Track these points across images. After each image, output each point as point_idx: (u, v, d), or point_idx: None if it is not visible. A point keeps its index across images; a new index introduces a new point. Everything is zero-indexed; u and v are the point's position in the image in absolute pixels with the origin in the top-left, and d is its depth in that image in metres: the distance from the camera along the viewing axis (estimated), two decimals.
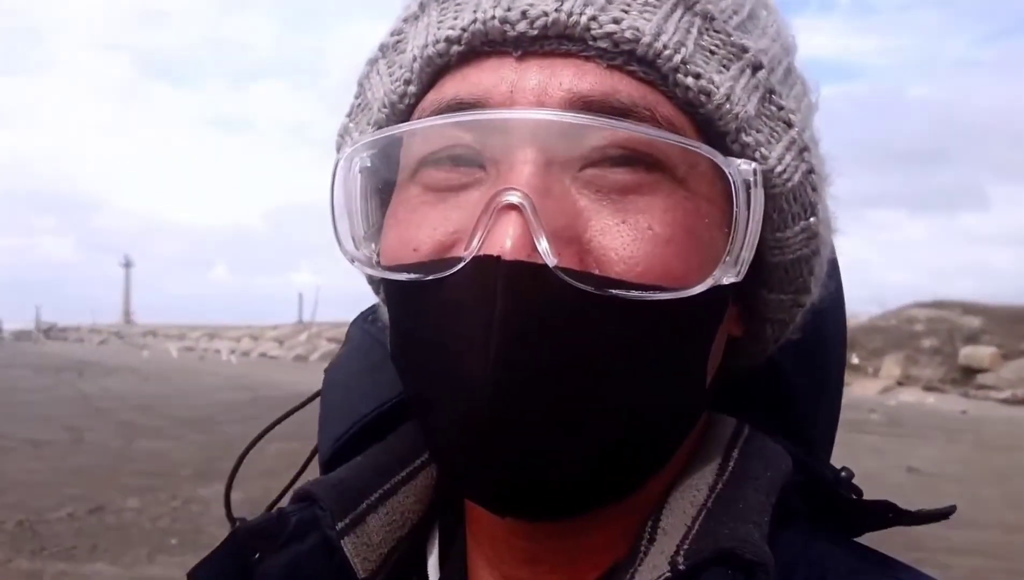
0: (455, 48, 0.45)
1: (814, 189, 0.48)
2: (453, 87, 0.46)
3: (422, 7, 0.49)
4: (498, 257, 0.42)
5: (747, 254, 0.45)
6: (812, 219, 0.48)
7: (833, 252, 0.55)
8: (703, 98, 0.44)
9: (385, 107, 0.49)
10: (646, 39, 0.43)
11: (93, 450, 9.60)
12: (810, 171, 0.47)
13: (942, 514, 0.53)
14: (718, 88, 0.44)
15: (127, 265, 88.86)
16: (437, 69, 0.47)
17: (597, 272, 0.43)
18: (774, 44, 0.48)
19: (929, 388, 17.92)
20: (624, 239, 0.43)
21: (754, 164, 0.45)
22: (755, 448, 0.52)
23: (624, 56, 0.44)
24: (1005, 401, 17.00)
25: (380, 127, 0.49)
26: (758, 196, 0.45)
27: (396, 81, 0.48)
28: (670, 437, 0.48)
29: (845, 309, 0.60)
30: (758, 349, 0.54)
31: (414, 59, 0.47)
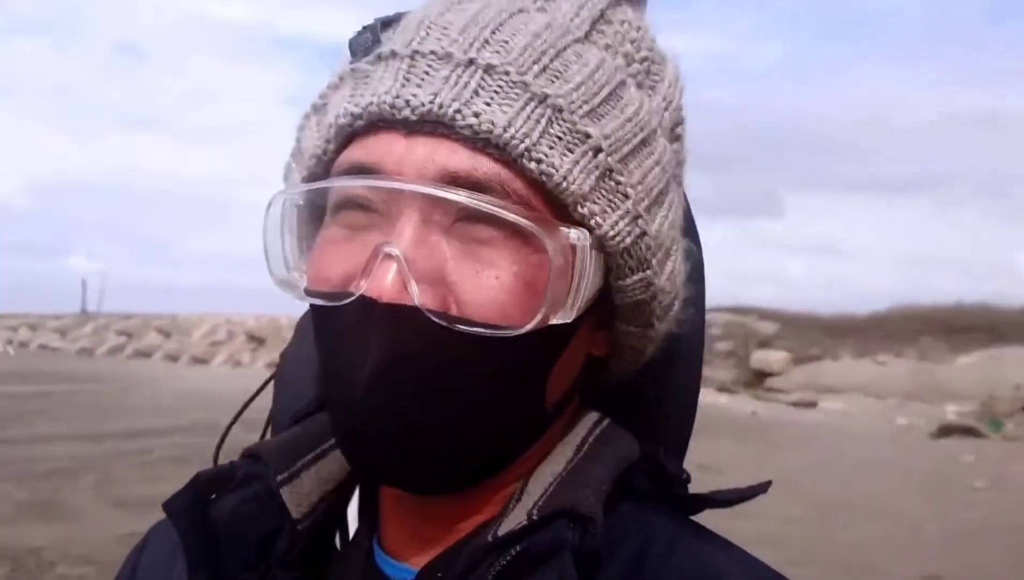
0: (358, 121, 0.58)
1: (648, 248, 0.60)
2: (358, 151, 0.58)
3: (341, 80, 0.62)
4: (375, 299, 0.54)
5: (575, 301, 0.57)
6: (648, 272, 0.60)
7: (694, 291, 0.68)
8: (544, 178, 0.55)
9: (312, 158, 0.62)
10: (497, 130, 0.55)
11: None
12: (642, 234, 0.59)
13: (760, 489, 0.64)
14: (557, 170, 0.55)
15: None
16: (347, 134, 0.59)
17: (455, 311, 0.55)
18: (627, 125, 0.59)
19: (722, 389, 18.94)
20: (475, 284, 0.55)
21: (584, 231, 0.57)
22: (609, 435, 0.66)
23: (483, 141, 0.55)
24: (793, 404, 18.04)
25: (310, 171, 0.63)
26: (586, 257, 0.57)
27: (319, 139, 0.61)
28: (515, 440, 0.62)
29: (703, 334, 0.75)
30: (623, 366, 0.68)
31: (330, 125, 0.60)
